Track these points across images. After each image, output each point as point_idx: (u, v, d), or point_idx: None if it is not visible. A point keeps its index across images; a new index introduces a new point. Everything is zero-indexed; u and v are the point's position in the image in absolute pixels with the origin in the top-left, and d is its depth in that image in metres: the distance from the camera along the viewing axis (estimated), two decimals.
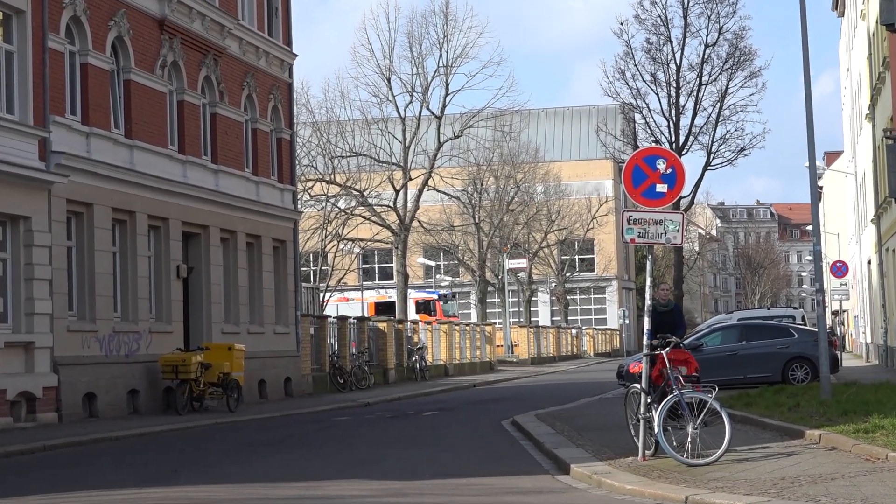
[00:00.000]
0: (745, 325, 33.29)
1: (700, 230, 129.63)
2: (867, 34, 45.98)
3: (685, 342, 30.46)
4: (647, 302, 15.41)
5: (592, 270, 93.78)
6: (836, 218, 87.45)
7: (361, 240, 64.45)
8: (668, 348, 15.15)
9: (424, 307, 64.71)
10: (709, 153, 60.49)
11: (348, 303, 64.43)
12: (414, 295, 65.35)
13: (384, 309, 63.37)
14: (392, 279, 78.32)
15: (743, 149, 60.38)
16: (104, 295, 26.97)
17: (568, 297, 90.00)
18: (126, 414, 26.94)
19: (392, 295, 66.20)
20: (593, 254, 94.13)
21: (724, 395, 17.90)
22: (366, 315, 56.29)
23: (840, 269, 53.89)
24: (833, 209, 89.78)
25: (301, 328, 36.82)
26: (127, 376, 27.35)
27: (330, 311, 58.24)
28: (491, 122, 67.07)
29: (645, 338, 15.37)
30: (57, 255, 25.29)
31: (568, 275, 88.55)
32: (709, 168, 61.03)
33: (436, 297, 66.00)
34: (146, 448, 20.13)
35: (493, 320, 74.50)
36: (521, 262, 75.67)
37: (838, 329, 69.13)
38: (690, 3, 59.51)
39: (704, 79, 59.66)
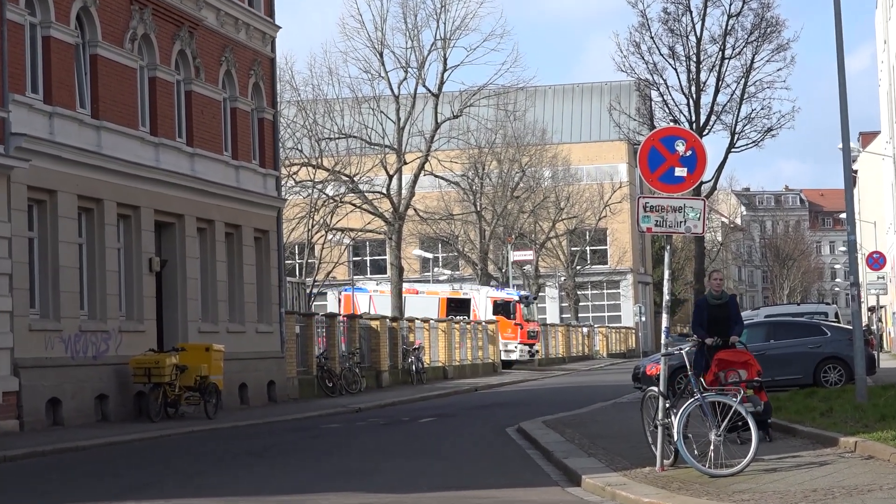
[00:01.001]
0: (772, 322, 33.31)
1: (723, 218, 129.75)
2: None
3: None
4: (666, 296, 15.43)
5: (605, 263, 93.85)
6: (873, 205, 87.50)
7: (352, 230, 64.44)
8: (687, 347, 15.18)
9: (503, 309, 62.59)
10: (733, 134, 60.50)
11: (418, 296, 63.07)
12: (492, 294, 63.80)
13: (457, 306, 62.11)
14: (387, 273, 78.34)
15: (770, 129, 60.41)
16: (69, 291, 26.97)
17: (578, 293, 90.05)
18: (94, 421, 26.96)
19: (467, 291, 64.70)
20: (606, 244, 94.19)
21: None
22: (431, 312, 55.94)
23: (877, 261, 53.89)
24: (869, 195, 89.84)
25: (286, 327, 36.86)
26: (94, 380, 27.36)
27: (389, 303, 57.82)
28: (493, 100, 67.03)
29: (663, 336, 15.39)
30: (17, 247, 25.27)
31: (578, 268, 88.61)
32: (733, 150, 61.06)
33: (516, 298, 63.41)
34: (117, 459, 20.14)
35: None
36: (527, 254, 75.72)
37: (875, 326, 69.21)
38: None
39: (727, 52, 59.67)
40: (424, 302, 61.88)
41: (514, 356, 62.53)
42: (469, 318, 60.01)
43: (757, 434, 14.11)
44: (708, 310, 16.56)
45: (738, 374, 15.47)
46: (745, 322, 34.37)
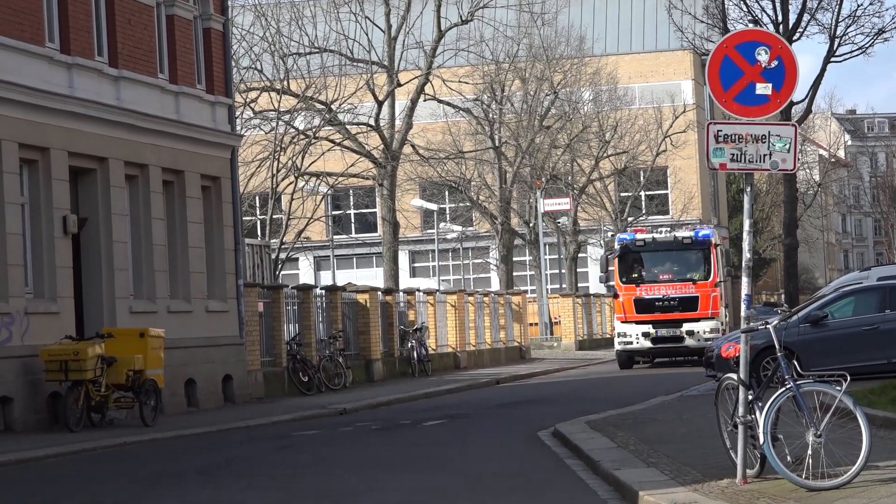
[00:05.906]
0: (888, 287, 33.28)
1: (821, 151, 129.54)
2: None
3: (801, 313, 30.68)
4: (746, 255, 15.39)
5: (666, 213, 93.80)
6: None
7: (330, 174, 64.39)
8: (775, 320, 15.12)
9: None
10: (832, 38, 60.30)
11: None
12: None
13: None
14: (377, 231, 78.42)
15: (882, 31, 60.19)
16: None
17: None
18: None
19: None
20: (667, 188, 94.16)
21: (858, 388, 17.92)
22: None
23: None
24: None
25: (245, 304, 36.87)
26: None
27: None
28: None
29: (743, 307, 15.36)
30: None
31: (631, 219, 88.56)
32: (832, 59, 60.87)
33: (616, 247, 50.51)
34: (24, 481, 20.22)
35: (522, 287, 74.61)
36: (563, 203, 75.58)
37: None
38: None
39: None
40: None
41: (627, 343, 49.81)
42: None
43: (869, 435, 14.08)
44: None
45: None
46: (853, 287, 34.55)
